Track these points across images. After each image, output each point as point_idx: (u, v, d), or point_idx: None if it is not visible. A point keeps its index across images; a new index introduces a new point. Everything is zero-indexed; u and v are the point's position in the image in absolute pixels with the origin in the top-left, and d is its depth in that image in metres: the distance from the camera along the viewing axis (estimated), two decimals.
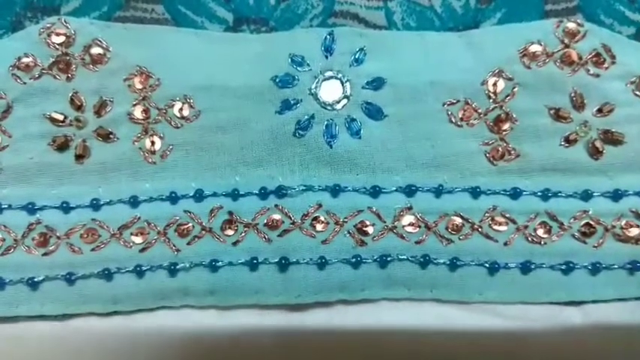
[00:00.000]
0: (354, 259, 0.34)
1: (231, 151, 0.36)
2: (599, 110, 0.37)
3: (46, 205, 0.35)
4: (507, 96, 0.37)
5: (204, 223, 0.35)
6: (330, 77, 0.37)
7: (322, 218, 0.35)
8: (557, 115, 0.36)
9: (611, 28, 0.39)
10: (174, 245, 0.35)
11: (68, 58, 0.37)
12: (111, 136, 0.36)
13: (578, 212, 0.35)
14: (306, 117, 0.36)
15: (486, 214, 0.35)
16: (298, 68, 0.37)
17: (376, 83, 0.37)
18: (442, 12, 0.40)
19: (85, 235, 0.35)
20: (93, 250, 0.35)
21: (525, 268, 0.35)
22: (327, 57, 0.37)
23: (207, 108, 0.37)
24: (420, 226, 0.35)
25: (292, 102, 0.36)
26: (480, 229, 0.35)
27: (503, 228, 0.35)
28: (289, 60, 0.37)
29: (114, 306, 0.34)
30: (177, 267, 0.34)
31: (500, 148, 0.36)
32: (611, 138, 0.36)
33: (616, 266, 0.35)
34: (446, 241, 0.35)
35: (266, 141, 0.36)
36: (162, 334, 0.34)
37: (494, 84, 0.37)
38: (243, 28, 0.40)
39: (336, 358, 0.35)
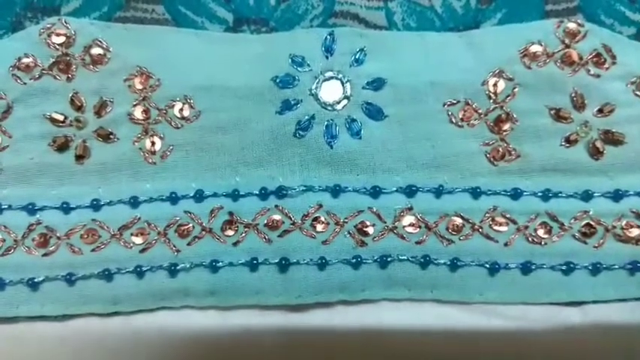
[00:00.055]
0: (354, 260, 0.34)
1: (231, 151, 0.36)
2: (600, 110, 0.37)
3: (46, 205, 0.35)
4: (508, 96, 0.37)
5: (204, 224, 0.35)
6: (331, 77, 0.37)
7: (322, 219, 0.35)
8: (558, 116, 0.36)
9: (612, 28, 0.39)
10: (174, 246, 0.35)
11: (68, 58, 0.37)
12: (111, 136, 0.36)
13: (579, 212, 0.35)
14: (306, 117, 0.36)
15: (487, 215, 0.35)
16: (298, 68, 0.37)
17: (376, 83, 0.37)
18: (442, 12, 0.40)
19: (86, 236, 0.35)
20: (93, 250, 0.35)
21: (526, 268, 0.35)
22: (327, 57, 0.37)
23: (208, 108, 0.37)
24: (420, 227, 0.35)
25: (292, 102, 0.36)
26: (480, 230, 0.35)
27: (503, 228, 0.35)
28: (289, 60, 0.37)
29: (114, 306, 0.34)
30: (178, 267, 0.34)
31: (500, 149, 0.36)
32: (612, 138, 0.36)
33: (616, 267, 0.35)
34: (446, 241, 0.35)
35: (266, 141, 0.36)
36: (162, 334, 0.34)
37: (495, 84, 0.37)
38: (243, 28, 0.40)
39: (336, 359, 0.34)
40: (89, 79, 0.37)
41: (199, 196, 0.36)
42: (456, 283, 0.35)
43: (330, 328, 0.34)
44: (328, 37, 0.37)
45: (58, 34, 0.37)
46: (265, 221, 0.35)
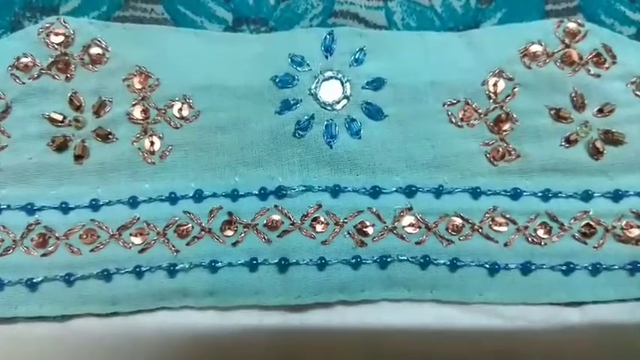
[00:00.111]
0: (354, 260, 0.34)
1: (230, 151, 0.36)
2: (600, 110, 0.37)
3: (45, 205, 0.35)
4: (508, 96, 0.37)
5: (203, 224, 0.35)
6: (330, 77, 0.37)
7: (322, 219, 0.35)
8: (558, 116, 0.36)
9: (612, 28, 0.39)
10: (173, 246, 0.35)
11: (67, 58, 0.37)
12: (110, 136, 0.36)
13: (579, 213, 0.35)
14: (305, 117, 0.36)
15: (486, 215, 0.35)
16: (298, 68, 0.37)
17: (376, 83, 0.37)
18: (442, 12, 0.40)
19: (84, 236, 0.35)
20: (92, 250, 0.35)
21: (525, 268, 0.35)
22: (327, 57, 0.37)
23: (207, 108, 0.37)
24: (420, 227, 0.35)
25: (292, 102, 0.36)
26: (480, 230, 0.35)
27: (503, 228, 0.35)
28: (289, 60, 0.37)
29: (113, 307, 0.34)
30: (177, 268, 0.34)
31: (500, 149, 0.36)
32: (612, 138, 0.36)
33: (616, 267, 0.35)
34: (446, 241, 0.35)
35: (266, 141, 0.36)
36: (161, 335, 0.34)
37: (495, 84, 0.37)
38: (242, 28, 0.40)
39: (335, 359, 0.34)
40: (88, 78, 0.37)
41: (198, 196, 0.35)
42: (455, 284, 0.34)
43: (329, 329, 0.34)
44: (328, 36, 0.37)
45: (56, 34, 0.37)
46: (265, 221, 0.35)
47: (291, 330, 0.34)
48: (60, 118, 0.36)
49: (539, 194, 0.36)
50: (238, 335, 0.34)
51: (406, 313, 0.34)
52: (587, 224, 0.35)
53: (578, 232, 0.35)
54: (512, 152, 0.36)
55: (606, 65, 0.37)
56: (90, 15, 0.39)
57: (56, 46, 0.37)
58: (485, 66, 0.37)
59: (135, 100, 0.36)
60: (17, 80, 0.36)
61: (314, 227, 0.35)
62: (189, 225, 0.35)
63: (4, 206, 0.35)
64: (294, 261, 0.34)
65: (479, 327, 0.34)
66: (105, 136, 0.36)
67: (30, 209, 0.35)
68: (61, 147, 0.36)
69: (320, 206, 0.35)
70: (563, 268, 0.35)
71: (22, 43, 0.37)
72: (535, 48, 0.37)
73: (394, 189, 0.36)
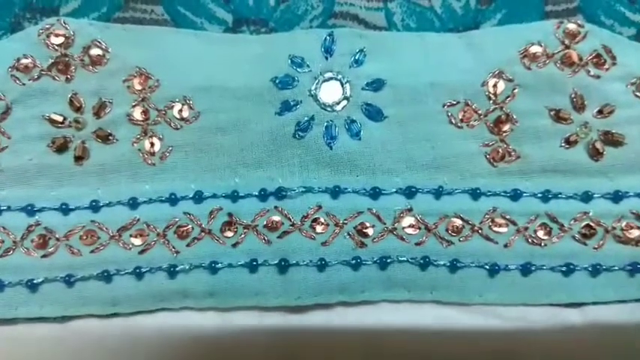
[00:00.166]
0: (353, 261, 0.34)
1: (230, 152, 0.36)
2: (600, 111, 0.37)
3: (45, 206, 0.35)
4: (507, 97, 0.37)
5: (203, 225, 0.35)
6: (330, 78, 0.37)
7: (322, 220, 0.35)
8: (558, 117, 0.36)
9: (612, 29, 0.39)
10: (173, 247, 0.35)
11: (67, 59, 0.37)
12: (110, 137, 0.36)
13: (579, 214, 0.35)
14: (305, 118, 0.36)
15: (486, 216, 0.35)
16: (298, 69, 0.37)
17: (376, 84, 0.37)
18: (442, 13, 0.40)
19: (85, 237, 0.35)
20: (92, 251, 0.35)
21: (525, 269, 0.35)
22: (326, 58, 0.37)
23: (207, 109, 0.37)
24: (420, 228, 0.35)
25: (292, 103, 0.36)
26: (480, 231, 0.35)
27: (503, 229, 0.35)
28: (289, 61, 0.37)
29: (113, 308, 0.34)
30: (177, 269, 0.34)
31: (500, 150, 0.36)
32: (612, 139, 0.36)
33: (616, 268, 0.35)
34: (446, 242, 0.35)
35: (266, 142, 0.36)
36: (161, 336, 0.34)
37: (495, 85, 0.37)
38: (242, 29, 0.40)
39: None
40: (88, 79, 0.37)
41: (198, 197, 0.35)
42: (455, 285, 0.34)
43: (329, 330, 0.34)
44: (328, 37, 0.37)
45: (56, 35, 0.37)
46: (265, 222, 0.35)
47: (291, 331, 0.34)
48: (60, 119, 0.36)
49: (539, 195, 0.36)
50: (238, 336, 0.34)
51: (406, 314, 0.34)
52: (587, 225, 0.35)
53: (578, 233, 0.35)
54: (512, 153, 0.36)
55: (606, 66, 0.37)
56: (90, 16, 0.39)
57: (56, 47, 0.37)
58: (485, 67, 0.37)
59: (135, 101, 0.36)
60: (17, 81, 0.36)
61: (314, 228, 0.35)
62: (190, 226, 0.35)
63: (5, 207, 0.35)
64: (294, 262, 0.34)
65: (479, 328, 0.34)
66: (105, 137, 0.36)
67: (30, 210, 0.35)
68: (61, 148, 0.36)
69: (320, 207, 0.35)
70: (563, 269, 0.35)
71: (22, 45, 0.37)
72: (535, 49, 0.37)
73: (394, 190, 0.36)
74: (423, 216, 0.35)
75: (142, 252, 0.35)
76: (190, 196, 0.36)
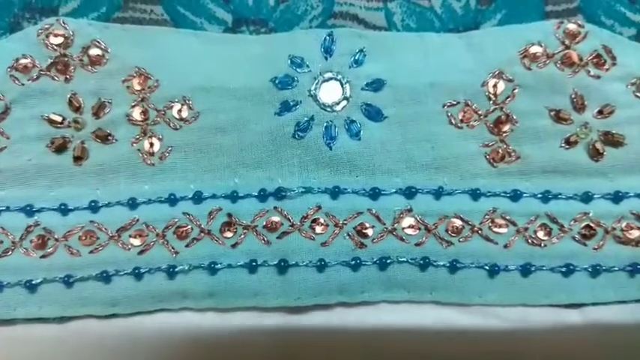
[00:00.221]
0: (353, 262, 0.34)
1: (230, 152, 0.36)
2: (600, 112, 0.37)
3: (44, 207, 0.35)
4: (507, 97, 0.37)
5: (202, 225, 0.35)
6: (330, 78, 0.37)
7: (322, 220, 0.35)
8: (558, 117, 0.36)
9: (612, 29, 0.39)
10: (172, 247, 0.35)
11: (66, 59, 0.37)
12: (109, 137, 0.36)
13: (579, 214, 0.35)
14: (305, 118, 0.36)
15: (486, 216, 0.35)
16: (298, 69, 0.37)
17: (376, 85, 0.37)
18: (442, 13, 0.40)
19: (84, 238, 0.35)
20: (91, 252, 0.35)
21: (525, 270, 0.35)
22: (326, 58, 0.37)
23: (207, 109, 0.36)
24: (419, 229, 0.35)
25: (292, 103, 0.36)
26: (479, 232, 0.35)
27: (503, 230, 0.35)
28: (289, 61, 0.37)
29: (112, 308, 0.34)
30: (176, 269, 0.34)
31: (500, 150, 0.36)
32: (612, 140, 0.36)
33: (616, 268, 0.35)
34: (446, 243, 0.35)
35: (265, 143, 0.36)
36: (161, 336, 0.34)
37: (495, 85, 0.37)
38: (242, 29, 0.40)
39: None
40: (87, 79, 0.37)
41: (198, 198, 0.35)
42: (455, 285, 0.34)
43: (329, 330, 0.34)
44: (327, 37, 0.37)
45: (56, 35, 0.37)
46: (264, 223, 0.35)
47: (291, 331, 0.34)
48: (59, 119, 0.36)
49: (539, 196, 0.36)
50: (238, 337, 0.34)
51: (406, 315, 0.34)
52: (587, 226, 0.35)
53: (578, 233, 0.35)
54: (512, 153, 0.36)
55: (606, 66, 0.37)
56: (89, 16, 0.39)
57: (55, 48, 0.37)
58: (485, 67, 0.37)
59: (134, 101, 0.36)
60: (16, 81, 0.36)
61: (313, 229, 0.35)
62: (189, 226, 0.35)
63: (3, 208, 0.35)
64: (293, 262, 0.34)
65: (478, 328, 0.34)
66: (104, 138, 0.36)
67: (29, 211, 0.35)
68: (60, 148, 0.36)
69: (319, 208, 0.35)
70: (563, 269, 0.35)
71: (21, 45, 0.37)
72: (535, 49, 0.37)
73: (394, 190, 0.36)
74: (422, 216, 0.35)
75: (141, 252, 0.35)
76: (190, 196, 0.36)
